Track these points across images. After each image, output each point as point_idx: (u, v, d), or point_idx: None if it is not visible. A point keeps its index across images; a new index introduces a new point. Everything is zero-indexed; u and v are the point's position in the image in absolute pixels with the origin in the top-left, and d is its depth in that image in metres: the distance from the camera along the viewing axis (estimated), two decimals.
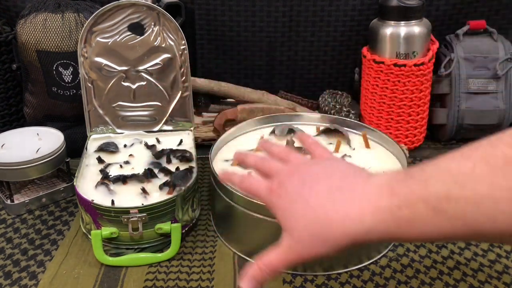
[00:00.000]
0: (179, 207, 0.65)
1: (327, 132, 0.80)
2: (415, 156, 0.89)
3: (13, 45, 0.90)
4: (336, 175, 0.45)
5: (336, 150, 0.75)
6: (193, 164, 0.72)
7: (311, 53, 1.01)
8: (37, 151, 0.74)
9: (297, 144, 0.75)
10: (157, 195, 0.66)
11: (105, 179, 0.69)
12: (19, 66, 0.89)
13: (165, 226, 0.65)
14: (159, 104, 0.81)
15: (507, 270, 0.63)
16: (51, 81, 0.83)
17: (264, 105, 0.92)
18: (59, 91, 0.84)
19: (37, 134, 0.79)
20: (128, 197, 0.66)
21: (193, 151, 0.75)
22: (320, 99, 0.99)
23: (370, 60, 0.88)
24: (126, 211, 0.62)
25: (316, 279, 0.61)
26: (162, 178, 0.70)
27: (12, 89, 0.93)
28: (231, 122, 0.91)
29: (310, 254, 0.45)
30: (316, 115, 0.84)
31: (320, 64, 1.02)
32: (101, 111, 0.80)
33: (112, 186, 0.68)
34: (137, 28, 0.77)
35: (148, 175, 0.70)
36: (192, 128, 0.82)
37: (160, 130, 0.82)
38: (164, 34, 0.77)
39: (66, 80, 0.83)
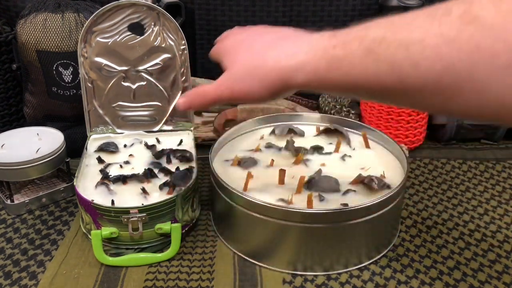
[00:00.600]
0: (179, 207, 0.65)
1: (327, 132, 0.80)
2: (415, 156, 0.89)
3: (13, 45, 0.90)
4: (285, 31, 0.49)
5: (336, 150, 0.75)
6: (193, 164, 0.72)
7: None
8: (37, 151, 0.74)
9: (297, 144, 0.75)
10: (157, 195, 0.66)
11: (105, 179, 0.69)
12: (19, 66, 0.89)
13: (165, 226, 0.65)
14: (159, 104, 0.81)
15: (507, 270, 0.63)
16: (51, 81, 0.83)
17: (264, 105, 0.92)
18: (59, 91, 0.84)
19: (37, 134, 0.79)
20: (128, 197, 0.66)
21: (193, 151, 0.75)
22: (320, 99, 0.99)
23: None
24: (126, 211, 0.62)
25: (316, 279, 0.61)
26: (162, 178, 0.70)
27: (12, 89, 0.93)
28: (231, 122, 0.91)
29: (242, 89, 0.49)
30: (316, 115, 0.84)
31: None
32: (101, 111, 0.80)
33: (112, 186, 0.68)
34: (137, 28, 0.77)
35: (148, 175, 0.70)
36: (192, 128, 0.82)
37: (160, 130, 0.82)
38: (164, 34, 0.77)
39: (66, 80, 0.83)
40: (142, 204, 0.63)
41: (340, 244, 0.61)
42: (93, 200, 0.64)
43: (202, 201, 0.77)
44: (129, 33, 0.77)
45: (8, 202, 0.74)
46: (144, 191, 0.67)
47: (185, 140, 0.80)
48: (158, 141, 0.80)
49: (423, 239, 0.68)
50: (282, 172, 0.67)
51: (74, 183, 0.67)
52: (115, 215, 0.63)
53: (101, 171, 0.71)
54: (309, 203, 0.62)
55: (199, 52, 1.02)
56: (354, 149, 0.76)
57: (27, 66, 0.84)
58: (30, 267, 0.64)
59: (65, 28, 0.80)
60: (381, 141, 0.76)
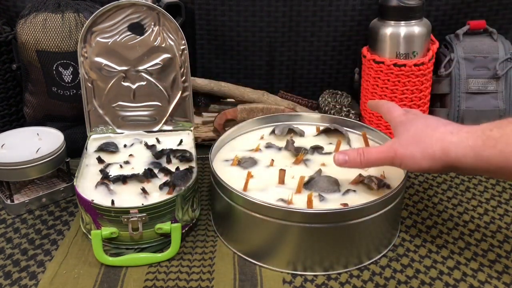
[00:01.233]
0: (179, 207, 0.65)
1: (327, 132, 0.80)
2: None
3: (13, 45, 0.90)
4: (448, 121, 0.60)
5: (336, 150, 0.75)
6: (193, 164, 0.72)
7: (311, 53, 1.01)
8: (37, 151, 0.74)
9: (297, 144, 0.75)
10: (157, 195, 0.66)
11: (105, 179, 0.69)
12: (19, 66, 0.89)
13: (165, 226, 0.65)
14: (159, 104, 0.81)
15: (507, 270, 0.63)
16: (51, 81, 0.83)
17: (264, 105, 0.92)
18: (59, 91, 0.84)
19: (37, 134, 0.79)
20: (128, 197, 0.66)
21: (193, 151, 0.75)
22: (320, 99, 0.99)
23: (370, 60, 0.88)
24: (126, 211, 0.62)
25: (316, 279, 0.61)
26: (162, 178, 0.70)
27: (12, 89, 0.93)
28: (231, 122, 0.91)
29: (404, 154, 0.57)
30: (316, 115, 0.84)
31: (320, 64, 1.02)
32: (101, 111, 0.80)
33: (112, 186, 0.68)
34: (137, 28, 0.77)
35: (148, 175, 0.70)
36: (192, 128, 0.82)
37: (160, 130, 0.82)
38: (164, 34, 0.77)
39: (66, 80, 0.83)
40: (142, 204, 0.63)
41: (340, 244, 0.61)
42: (93, 200, 0.64)
43: (202, 201, 0.77)
44: (129, 33, 0.77)
45: (8, 202, 0.74)
46: (144, 191, 0.67)
47: (185, 140, 0.80)
48: (158, 141, 0.80)
49: (423, 239, 0.68)
50: (282, 172, 0.67)
51: (74, 183, 0.67)
52: (115, 215, 0.63)
53: (101, 171, 0.71)
54: (309, 203, 0.62)
55: (199, 52, 1.02)
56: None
57: (27, 66, 0.84)
58: (30, 267, 0.64)
59: (65, 28, 0.80)
60: (381, 141, 0.76)
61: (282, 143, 0.77)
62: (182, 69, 0.79)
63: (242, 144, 0.78)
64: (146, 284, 0.61)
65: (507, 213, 0.74)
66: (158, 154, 0.75)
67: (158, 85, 0.80)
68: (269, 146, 0.77)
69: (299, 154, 0.73)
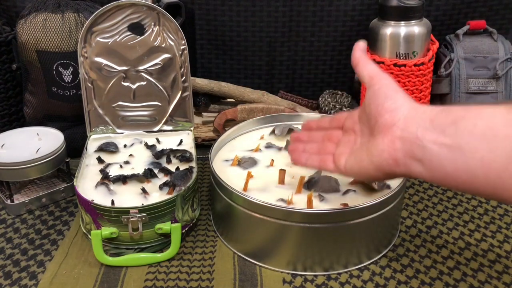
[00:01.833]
0: (179, 207, 0.65)
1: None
2: None
3: (13, 45, 0.90)
4: None
5: None
6: (193, 164, 0.72)
7: (311, 53, 1.01)
8: (37, 151, 0.74)
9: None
10: (157, 195, 0.66)
11: (105, 179, 0.69)
12: (19, 66, 0.89)
13: (165, 226, 0.65)
14: (159, 104, 0.81)
15: (507, 270, 0.63)
16: (51, 81, 0.83)
17: (264, 105, 0.92)
18: (59, 91, 0.84)
19: (37, 134, 0.79)
20: (128, 197, 0.66)
21: (193, 151, 0.75)
22: (320, 99, 0.99)
23: None
24: (126, 211, 0.62)
25: (316, 279, 0.61)
26: (162, 178, 0.70)
27: (12, 89, 0.93)
28: (231, 122, 0.91)
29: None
30: (316, 115, 0.84)
31: (320, 64, 1.02)
32: (101, 111, 0.80)
33: (112, 186, 0.68)
34: (137, 28, 0.77)
35: (148, 175, 0.70)
36: (192, 128, 0.82)
37: (160, 130, 0.82)
38: (164, 34, 0.77)
39: (66, 80, 0.83)
40: (142, 204, 0.63)
41: (340, 244, 0.61)
42: (93, 200, 0.64)
43: (202, 201, 0.77)
44: (129, 33, 0.77)
45: (8, 202, 0.74)
46: (144, 191, 0.67)
47: (185, 140, 0.80)
48: (158, 141, 0.80)
49: (423, 239, 0.68)
50: (282, 172, 0.67)
51: (74, 183, 0.67)
52: (115, 215, 0.63)
53: (101, 171, 0.71)
54: (309, 203, 0.62)
55: (199, 52, 1.02)
56: None
57: (27, 66, 0.84)
58: (30, 267, 0.64)
59: (65, 28, 0.80)
60: None
61: (282, 143, 0.77)
62: (182, 69, 0.79)
63: (242, 144, 0.78)
64: (146, 284, 0.61)
65: (507, 213, 0.74)
66: (158, 154, 0.75)
67: (158, 85, 0.80)
68: (269, 146, 0.77)
69: None
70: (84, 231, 0.69)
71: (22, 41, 0.82)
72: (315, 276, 0.62)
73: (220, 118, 0.92)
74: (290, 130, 0.80)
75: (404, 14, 0.84)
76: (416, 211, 0.75)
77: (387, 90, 0.50)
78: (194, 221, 0.70)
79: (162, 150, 0.76)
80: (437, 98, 0.92)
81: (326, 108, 0.96)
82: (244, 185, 0.66)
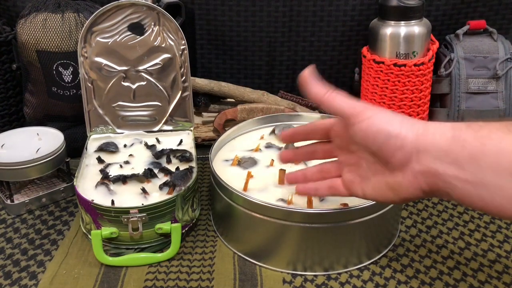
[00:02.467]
0: (179, 207, 0.65)
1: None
2: None
3: (13, 45, 0.90)
4: None
5: None
6: (193, 164, 0.72)
7: (311, 53, 1.01)
8: (37, 151, 0.74)
9: (297, 144, 0.75)
10: (157, 195, 0.66)
11: (105, 179, 0.69)
12: (19, 66, 0.89)
13: (165, 226, 0.65)
14: (159, 104, 0.81)
15: (507, 270, 0.63)
16: (51, 81, 0.83)
17: (264, 105, 0.92)
18: (59, 91, 0.84)
19: (37, 134, 0.79)
20: (128, 197, 0.66)
21: (193, 151, 0.75)
22: None
23: (370, 60, 0.88)
24: (126, 211, 0.62)
25: (316, 279, 0.61)
26: (162, 178, 0.70)
27: (12, 89, 0.93)
28: (231, 122, 0.91)
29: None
30: (316, 115, 0.84)
31: (320, 64, 1.02)
32: (101, 111, 0.80)
33: (112, 186, 0.68)
34: (137, 28, 0.77)
35: (148, 175, 0.70)
36: (192, 128, 0.82)
37: (160, 130, 0.82)
38: (164, 34, 0.77)
39: (66, 80, 0.83)
40: (142, 204, 0.63)
41: (340, 244, 0.61)
42: (93, 200, 0.64)
43: (202, 201, 0.77)
44: (129, 33, 0.77)
45: (8, 202, 0.74)
46: (144, 191, 0.67)
47: (185, 140, 0.80)
48: (158, 141, 0.80)
49: (423, 239, 0.68)
50: (282, 172, 0.67)
51: (74, 183, 0.67)
52: (115, 215, 0.63)
53: (101, 171, 0.71)
54: (309, 203, 0.62)
55: (199, 52, 1.02)
56: None
57: (27, 66, 0.84)
58: (30, 267, 0.64)
59: (65, 28, 0.80)
60: None
61: (282, 143, 0.77)
62: (182, 69, 0.79)
63: (242, 144, 0.78)
64: (146, 284, 0.61)
65: None
66: (158, 154, 0.75)
67: (158, 85, 0.80)
68: (269, 146, 0.77)
69: None
70: (84, 231, 0.69)
71: (22, 41, 0.82)
72: (315, 276, 0.62)
73: (220, 118, 0.92)
74: None
75: (404, 14, 0.84)
76: (416, 211, 0.75)
77: (380, 125, 0.46)
78: (194, 221, 0.70)
79: (162, 150, 0.76)
80: (437, 98, 0.92)
81: None
82: (244, 185, 0.66)
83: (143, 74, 0.79)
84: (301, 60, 1.02)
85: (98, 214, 0.63)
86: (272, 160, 0.72)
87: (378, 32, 0.86)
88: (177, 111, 0.81)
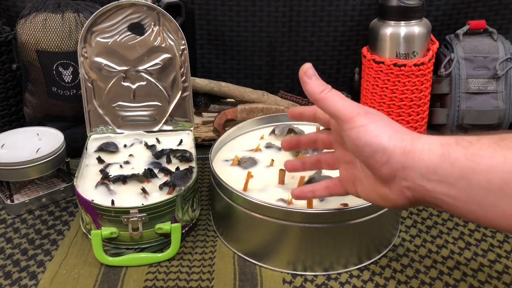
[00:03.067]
0: (179, 207, 0.65)
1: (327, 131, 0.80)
2: None
3: (13, 45, 0.90)
4: None
5: None
6: (193, 164, 0.72)
7: (311, 53, 1.01)
8: (37, 151, 0.74)
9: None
10: (157, 195, 0.66)
11: (105, 179, 0.69)
12: (19, 66, 0.89)
13: (165, 226, 0.65)
14: (159, 104, 0.81)
15: (507, 270, 0.63)
16: (51, 81, 0.83)
17: (264, 105, 0.92)
18: (59, 91, 0.84)
19: (37, 134, 0.79)
20: (128, 197, 0.66)
21: (193, 151, 0.75)
22: None
23: (370, 60, 0.88)
24: (126, 211, 0.62)
25: (316, 279, 0.61)
26: (162, 178, 0.70)
27: (12, 89, 0.93)
28: (231, 122, 0.91)
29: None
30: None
31: (320, 64, 1.02)
32: (101, 111, 0.80)
33: (112, 186, 0.68)
34: (137, 28, 0.77)
35: (148, 175, 0.70)
36: (192, 128, 0.82)
37: (160, 130, 0.82)
38: (164, 34, 0.77)
39: (66, 80, 0.83)
40: (142, 204, 0.63)
41: (340, 244, 0.61)
42: (93, 200, 0.64)
43: (202, 201, 0.77)
44: (129, 33, 0.77)
45: (8, 202, 0.74)
46: (144, 191, 0.67)
47: (185, 140, 0.80)
48: (158, 141, 0.80)
49: (423, 239, 0.68)
50: (282, 172, 0.67)
51: (74, 183, 0.67)
52: (115, 215, 0.63)
53: (101, 171, 0.71)
54: (309, 203, 0.62)
55: (199, 52, 1.02)
56: None
57: (27, 66, 0.84)
58: (30, 267, 0.64)
59: (65, 28, 0.80)
60: None
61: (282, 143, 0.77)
62: (182, 69, 0.79)
63: (242, 144, 0.78)
64: (146, 284, 0.61)
65: None
66: (158, 154, 0.75)
67: (158, 85, 0.80)
68: (269, 146, 0.77)
69: (299, 154, 0.73)
70: (84, 231, 0.69)
71: (22, 41, 0.82)
72: (315, 276, 0.62)
73: (220, 118, 0.92)
74: (290, 130, 0.80)
75: (404, 14, 0.84)
76: (416, 211, 0.75)
77: (367, 138, 0.45)
78: (194, 221, 0.70)
79: (162, 150, 0.76)
80: (437, 98, 0.92)
81: None
82: (244, 185, 0.66)
83: (143, 74, 0.79)
84: (301, 60, 1.02)
85: (98, 214, 0.63)
86: (272, 160, 0.72)
87: (378, 32, 0.86)
88: (177, 111, 0.81)
